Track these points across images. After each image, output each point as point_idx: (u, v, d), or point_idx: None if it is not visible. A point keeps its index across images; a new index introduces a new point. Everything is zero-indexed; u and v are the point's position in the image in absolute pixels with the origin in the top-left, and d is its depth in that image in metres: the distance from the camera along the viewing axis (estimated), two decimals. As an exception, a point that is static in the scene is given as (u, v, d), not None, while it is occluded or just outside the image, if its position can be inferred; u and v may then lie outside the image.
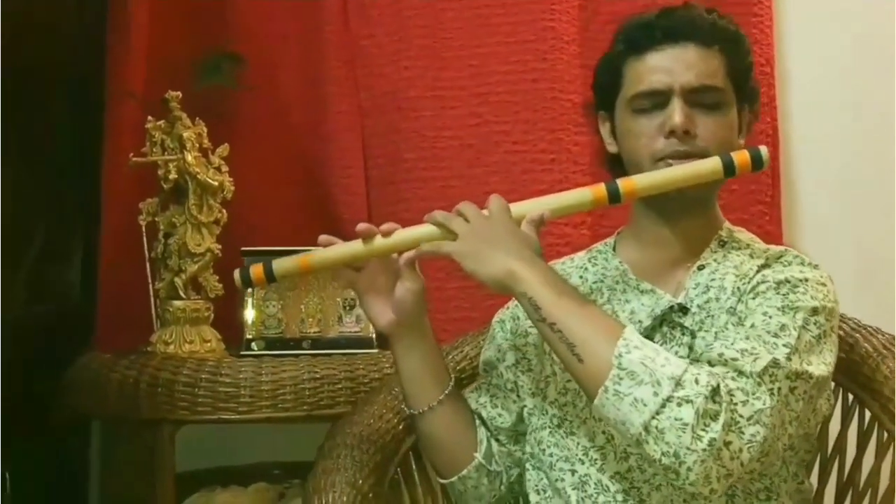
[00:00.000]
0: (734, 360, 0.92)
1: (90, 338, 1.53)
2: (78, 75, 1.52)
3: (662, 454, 0.88)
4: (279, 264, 1.04)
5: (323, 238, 1.06)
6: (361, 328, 1.49)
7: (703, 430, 0.87)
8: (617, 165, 1.10)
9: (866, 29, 1.65)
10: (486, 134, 1.61)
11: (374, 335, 1.48)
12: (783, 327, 0.94)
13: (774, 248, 1.07)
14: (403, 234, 1.03)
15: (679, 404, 0.87)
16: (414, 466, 1.19)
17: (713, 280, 1.05)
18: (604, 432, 1.04)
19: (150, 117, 1.43)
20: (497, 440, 1.14)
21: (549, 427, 1.09)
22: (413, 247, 1.03)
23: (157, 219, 1.44)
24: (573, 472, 1.05)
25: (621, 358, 0.90)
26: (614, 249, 1.13)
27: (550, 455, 1.08)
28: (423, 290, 1.06)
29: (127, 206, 1.47)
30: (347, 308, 1.50)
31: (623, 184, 1.02)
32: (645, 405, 0.88)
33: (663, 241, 1.07)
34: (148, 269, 1.47)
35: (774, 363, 0.92)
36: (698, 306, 1.04)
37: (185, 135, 1.43)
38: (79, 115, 1.51)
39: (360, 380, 1.33)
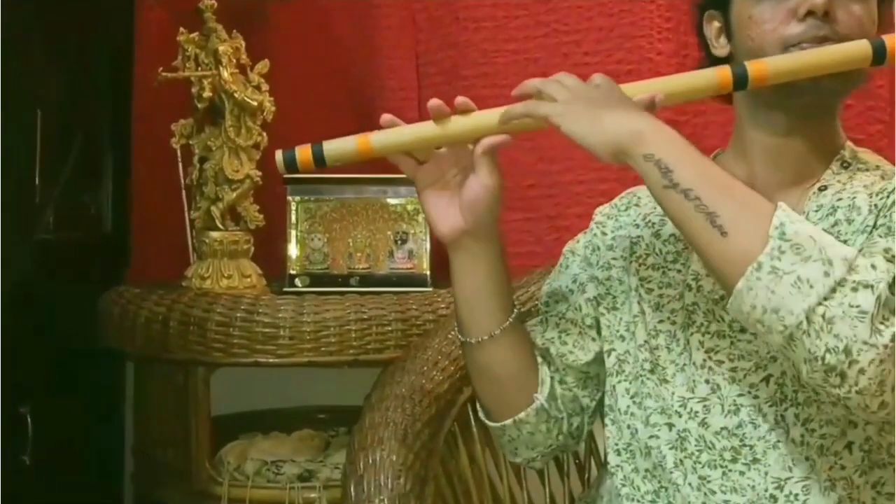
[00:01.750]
0: None
1: (125, 269, 1.43)
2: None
3: (828, 349, 0.72)
4: (331, 146, 0.87)
5: (386, 118, 0.88)
6: (414, 264, 1.39)
7: (884, 322, 0.71)
8: None
9: None
10: (554, 45, 1.45)
11: (427, 272, 1.38)
12: None
13: None
14: (484, 116, 0.86)
15: (855, 289, 0.72)
16: (472, 420, 1.08)
17: (840, 200, 0.87)
18: (707, 381, 0.89)
19: (181, 28, 1.29)
20: (562, 382, 1.01)
21: (641, 374, 0.94)
22: (494, 132, 0.87)
23: (191, 142, 1.33)
24: (670, 426, 0.90)
25: (783, 227, 0.74)
26: None
27: (642, 407, 0.93)
28: (501, 190, 0.89)
29: (160, 126, 1.37)
30: (399, 242, 1.39)
31: (753, 66, 0.85)
32: (811, 286, 0.72)
33: (776, 156, 0.90)
34: (184, 197, 1.36)
35: None
36: (823, 231, 0.86)
37: (221, 49, 1.30)
38: (110, 25, 1.38)
39: (413, 321, 1.21)
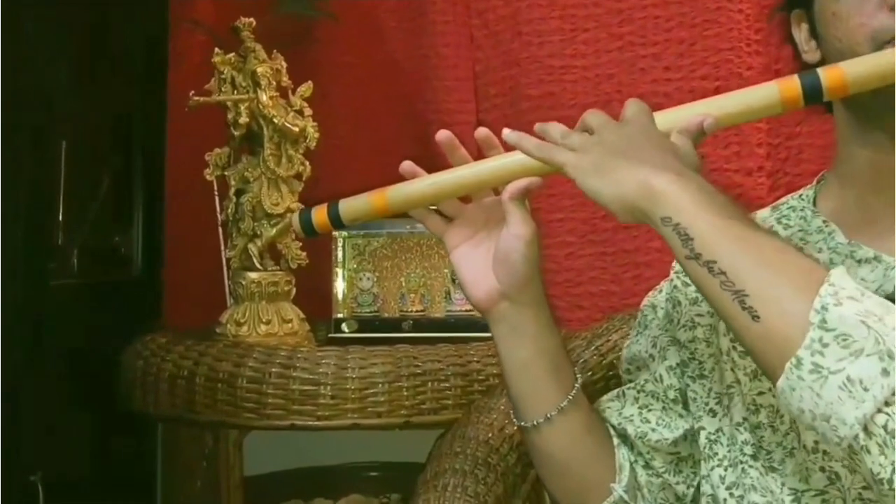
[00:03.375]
0: None
1: (157, 316, 1.32)
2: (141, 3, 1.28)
3: (884, 467, 0.57)
4: (348, 205, 0.79)
5: (406, 166, 0.79)
6: (474, 306, 1.22)
7: None
8: None
9: None
10: (630, 59, 1.31)
11: (490, 314, 1.21)
12: None
13: None
14: (506, 160, 0.76)
15: None
16: (547, 499, 0.91)
17: None
18: (823, 469, 0.71)
19: (217, 49, 1.18)
20: (648, 467, 0.84)
21: (742, 461, 0.76)
22: (520, 176, 0.75)
23: (227, 173, 1.21)
24: None
25: (826, 312, 0.58)
26: (814, 204, 0.79)
27: (744, 502, 0.75)
28: (537, 240, 0.77)
29: (195, 158, 1.27)
30: (457, 282, 1.22)
31: (827, 74, 0.69)
32: (866, 389, 0.57)
33: (890, 180, 0.73)
34: (221, 234, 1.24)
35: None
36: None
37: (260, 70, 1.19)
38: (143, 49, 1.28)
39: (475, 376, 1.05)
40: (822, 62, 0.75)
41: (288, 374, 1.04)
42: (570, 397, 0.78)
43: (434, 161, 1.39)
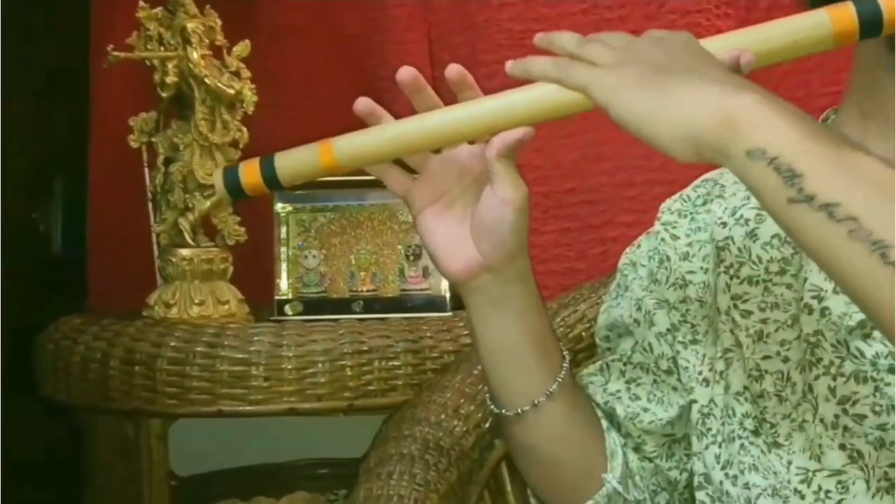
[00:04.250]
0: None
1: (82, 299, 1.21)
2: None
3: None
4: (286, 160, 0.64)
5: (362, 104, 0.65)
6: (430, 284, 1.16)
7: None
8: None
9: None
10: (595, 23, 1.23)
11: (447, 294, 1.14)
12: None
13: None
14: (491, 103, 0.61)
15: None
16: (508, 485, 0.83)
17: None
18: (843, 447, 0.63)
19: (141, 2, 1.07)
20: (638, 450, 0.75)
21: (741, 436, 0.68)
22: (511, 125, 0.61)
23: (154, 139, 1.10)
24: None
25: None
26: None
27: (741, 484, 0.67)
28: (527, 204, 0.64)
29: (122, 123, 1.16)
30: (411, 258, 1.17)
31: (887, 0, 0.58)
32: None
33: None
34: (150, 208, 1.13)
35: None
36: None
37: (190, 26, 1.08)
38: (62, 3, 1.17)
39: (427, 353, 0.96)
40: None
41: (215, 354, 0.93)
42: (560, 379, 0.69)
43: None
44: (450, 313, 1.11)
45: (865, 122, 0.67)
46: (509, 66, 0.61)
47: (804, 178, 0.49)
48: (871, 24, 0.58)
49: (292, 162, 0.64)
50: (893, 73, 0.64)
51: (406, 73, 0.64)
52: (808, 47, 0.60)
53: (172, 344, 0.95)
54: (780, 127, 0.50)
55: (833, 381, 0.64)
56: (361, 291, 1.15)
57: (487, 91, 1.32)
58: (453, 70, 0.64)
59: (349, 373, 0.94)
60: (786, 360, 0.67)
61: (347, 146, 0.63)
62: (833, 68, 1.17)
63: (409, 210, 0.68)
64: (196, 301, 1.07)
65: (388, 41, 1.31)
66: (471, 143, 0.66)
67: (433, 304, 1.13)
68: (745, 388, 0.68)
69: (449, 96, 1.41)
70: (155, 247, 1.13)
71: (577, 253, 1.21)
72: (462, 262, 0.66)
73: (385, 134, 0.63)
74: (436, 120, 0.62)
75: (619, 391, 0.76)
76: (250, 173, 0.64)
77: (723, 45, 0.59)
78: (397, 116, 1.38)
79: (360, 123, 1.42)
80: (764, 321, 0.68)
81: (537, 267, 1.23)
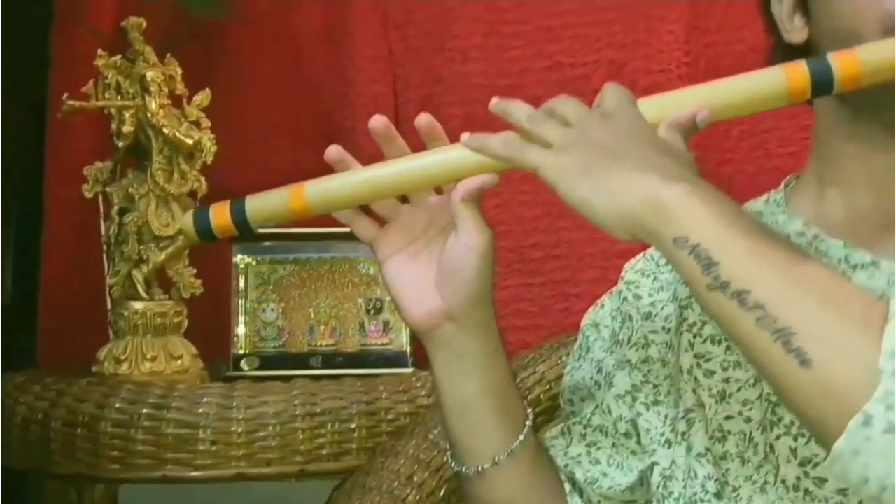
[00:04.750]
0: None
1: (30, 352, 1.17)
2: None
3: None
4: (257, 202, 0.65)
5: (332, 151, 0.66)
6: (391, 339, 1.14)
7: None
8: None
9: None
10: (558, 81, 1.24)
11: (408, 349, 1.13)
12: None
13: None
14: (458, 152, 0.63)
15: None
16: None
17: None
18: None
19: (99, 50, 1.06)
20: None
21: (702, 499, 0.67)
22: (474, 173, 0.62)
23: (108, 189, 1.08)
24: None
25: None
26: (786, 205, 0.71)
27: None
28: (492, 251, 0.65)
29: (78, 170, 1.13)
30: (372, 312, 1.15)
31: (839, 61, 0.59)
32: None
33: (889, 178, 0.64)
34: (105, 260, 1.10)
35: None
36: None
37: (149, 75, 1.07)
38: (23, 49, 1.15)
39: (382, 415, 0.94)
40: (808, 45, 0.67)
41: (161, 416, 0.90)
42: (522, 438, 0.68)
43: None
44: (410, 369, 1.09)
45: (823, 188, 0.68)
46: (465, 139, 0.63)
47: (720, 267, 0.52)
48: (822, 82, 0.59)
49: (263, 204, 0.65)
50: (849, 141, 0.66)
51: (378, 122, 0.66)
52: (763, 103, 0.61)
53: (117, 405, 0.92)
54: (702, 217, 0.53)
55: (794, 442, 0.63)
56: (320, 346, 1.13)
57: (453, 142, 1.33)
58: (423, 119, 0.65)
59: (301, 436, 0.91)
60: (748, 420, 0.66)
61: (318, 190, 0.64)
62: (790, 128, 1.19)
63: (376, 257, 0.68)
64: (148, 356, 1.04)
65: (354, 92, 1.31)
66: (439, 192, 0.67)
67: (393, 359, 1.11)
68: (708, 449, 0.67)
69: (415, 147, 1.42)
70: (108, 299, 1.10)
71: (540, 308, 1.20)
72: (425, 309, 0.66)
73: (356, 178, 0.64)
74: (405, 166, 0.64)
75: (579, 455, 0.75)
76: (220, 215, 0.65)
77: (680, 99, 0.61)
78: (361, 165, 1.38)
79: (324, 173, 1.42)
80: (726, 380, 0.67)
81: (500, 322, 1.22)
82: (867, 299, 0.52)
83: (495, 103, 0.63)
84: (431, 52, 1.29)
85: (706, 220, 0.53)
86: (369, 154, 1.32)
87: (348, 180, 0.64)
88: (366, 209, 0.67)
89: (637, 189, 0.55)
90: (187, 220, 0.66)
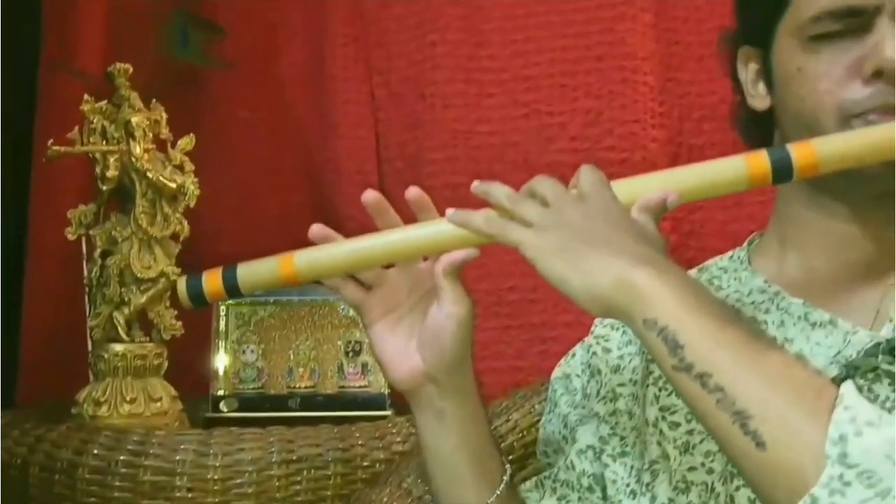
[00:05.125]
0: None
1: (11, 393, 1.17)
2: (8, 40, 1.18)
3: None
4: (248, 270, 0.67)
5: (316, 230, 0.68)
6: (369, 382, 1.16)
7: None
8: (764, 129, 0.72)
9: None
10: (536, 128, 1.28)
11: (386, 391, 1.14)
12: None
13: None
14: (442, 226, 0.66)
15: None
16: None
17: None
18: None
19: (86, 96, 1.08)
20: None
21: None
22: (457, 247, 0.65)
23: (92, 232, 1.09)
24: None
25: (845, 443, 0.51)
26: (749, 263, 0.74)
27: None
28: (472, 320, 0.68)
29: (63, 213, 1.15)
30: (351, 354, 1.17)
31: (798, 151, 0.63)
32: None
33: (843, 244, 0.68)
34: (87, 302, 1.11)
35: None
36: None
37: (135, 120, 1.09)
38: (8, 92, 1.17)
39: (358, 462, 0.95)
40: (770, 112, 0.70)
41: (138, 464, 0.91)
42: (498, 492, 0.70)
43: (331, 223, 1.31)
44: (388, 412, 1.10)
45: (784, 249, 0.71)
46: (450, 215, 0.65)
47: (685, 349, 0.55)
48: (782, 171, 0.62)
49: (253, 273, 0.67)
50: (808, 209, 0.69)
51: (371, 196, 0.68)
52: (727, 188, 0.65)
53: (95, 451, 0.93)
54: (670, 301, 0.56)
55: (753, 493, 0.65)
56: (299, 388, 1.14)
57: (433, 187, 1.35)
58: (413, 193, 0.67)
59: (277, 483, 0.92)
60: (710, 471, 0.68)
61: (307, 260, 0.67)
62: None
63: (362, 321, 0.71)
64: (127, 398, 1.04)
65: (337, 136, 1.34)
66: (424, 259, 0.69)
67: (372, 402, 1.12)
68: (671, 500, 0.69)
69: (395, 189, 1.44)
70: (89, 341, 1.11)
71: (517, 351, 1.22)
72: (407, 371, 0.68)
73: (344, 249, 0.67)
74: (392, 238, 0.66)
75: None
76: (212, 282, 0.67)
77: (651, 183, 0.64)
78: (343, 208, 1.39)
79: (298, 212, 1.43)
80: (690, 432, 0.69)
81: (478, 364, 1.24)
82: (819, 384, 0.54)
83: (476, 186, 0.65)
84: (413, 99, 1.32)
85: (673, 304, 0.56)
86: (351, 196, 1.34)
87: (337, 251, 0.67)
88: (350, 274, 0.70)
89: (610, 271, 0.57)
90: (181, 286, 0.68)
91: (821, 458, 0.50)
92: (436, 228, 0.65)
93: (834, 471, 0.50)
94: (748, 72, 0.72)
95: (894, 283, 0.66)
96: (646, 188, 0.63)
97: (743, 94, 0.73)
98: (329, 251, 0.67)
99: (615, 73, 1.26)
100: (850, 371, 0.64)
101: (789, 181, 0.63)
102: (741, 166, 0.63)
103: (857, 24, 0.65)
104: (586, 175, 0.63)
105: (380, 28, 1.33)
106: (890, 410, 0.61)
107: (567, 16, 1.28)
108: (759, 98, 0.71)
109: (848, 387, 0.53)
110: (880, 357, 0.63)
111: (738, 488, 0.65)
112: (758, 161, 0.62)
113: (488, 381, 1.27)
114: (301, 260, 0.66)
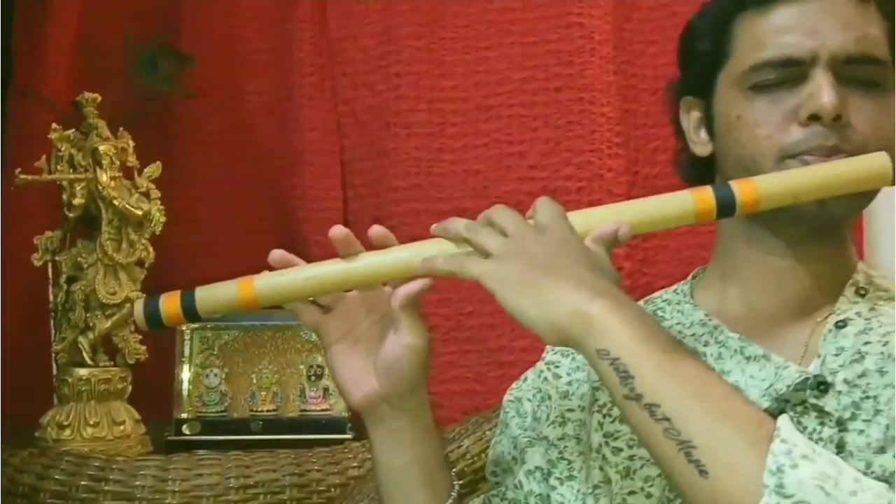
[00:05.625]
0: None
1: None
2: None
3: None
4: (207, 294, 0.67)
5: (276, 255, 0.69)
6: (331, 405, 1.18)
7: None
8: (705, 174, 0.75)
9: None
10: (496, 156, 1.32)
11: (346, 415, 1.16)
12: None
13: None
14: (400, 255, 0.67)
15: None
16: None
17: (868, 344, 0.68)
18: None
19: (54, 125, 1.10)
20: None
21: None
22: (414, 275, 0.67)
23: (58, 258, 1.10)
24: None
25: (782, 475, 0.54)
26: (692, 298, 0.77)
27: None
28: (428, 349, 0.70)
29: (30, 239, 1.16)
30: (313, 378, 1.19)
31: (741, 189, 0.66)
32: None
33: (778, 282, 0.72)
34: (52, 326, 1.12)
35: None
36: (846, 382, 0.67)
37: (102, 149, 1.11)
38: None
39: (314, 487, 0.98)
40: (712, 158, 0.74)
41: (99, 489, 0.93)
42: None
43: (296, 248, 1.33)
44: (349, 435, 1.12)
45: (724, 284, 0.75)
46: (420, 262, 0.67)
47: (635, 380, 0.58)
48: (726, 206, 0.66)
49: (212, 296, 0.67)
50: (748, 246, 0.72)
51: (338, 232, 0.68)
52: (675, 221, 0.68)
53: (56, 476, 0.94)
54: (622, 334, 0.59)
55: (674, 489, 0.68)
56: (262, 412, 1.16)
57: (396, 213, 1.37)
58: (376, 231, 0.68)
59: (235, 509, 0.94)
60: (649, 496, 0.71)
61: (268, 285, 0.67)
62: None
63: (321, 342, 0.73)
64: (91, 422, 1.06)
65: (303, 163, 1.36)
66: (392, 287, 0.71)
67: (332, 426, 1.14)
68: None
69: (360, 214, 1.45)
70: (54, 365, 1.12)
71: (476, 375, 1.25)
72: (363, 392, 0.70)
73: (304, 275, 0.67)
74: (353, 265, 0.67)
75: None
76: (170, 305, 0.67)
77: (604, 215, 0.67)
78: (309, 234, 1.41)
79: (265, 237, 1.44)
80: (631, 458, 0.72)
81: (437, 387, 1.28)
82: (759, 417, 0.57)
83: (434, 228, 0.67)
84: (377, 127, 1.35)
85: (626, 336, 0.59)
86: (316, 222, 1.36)
87: (297, 276, 0.67)
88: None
89: (567, 303, 0.60)
90: (137, 308, 0.67)
91: (759, 488, 0.53)
92: (395, 256, 0.67)
93: (771, 500, 0.53)
94: (690, 120, 0.75)
95: (823, 320, 0.70)
96: (599, 220, 0.66)
97: (685, 141, 0.76)
98: (290, 276, 0.67)
99: (574, 105, 1.30)
100: (781, 404, 0.67)
101: (732, 216, 0.67)
102: (688, 201, 0.66)
103: (793, 74, 0.69)
104: (544, 207, 0.65)
105: (345, 58, 1.36)
106: (817, 442, 0.66)
107: (527, 48, 1.32)
108: (700, 144, 0.75)
109: (784, 420, 0.57)
110: (808, 392, 0.67)
111: None
112: (703, 197, 0.66)
113: (447, 403, 1.30)
114: (261, 284, 0.66)
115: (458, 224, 0.66)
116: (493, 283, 0.62)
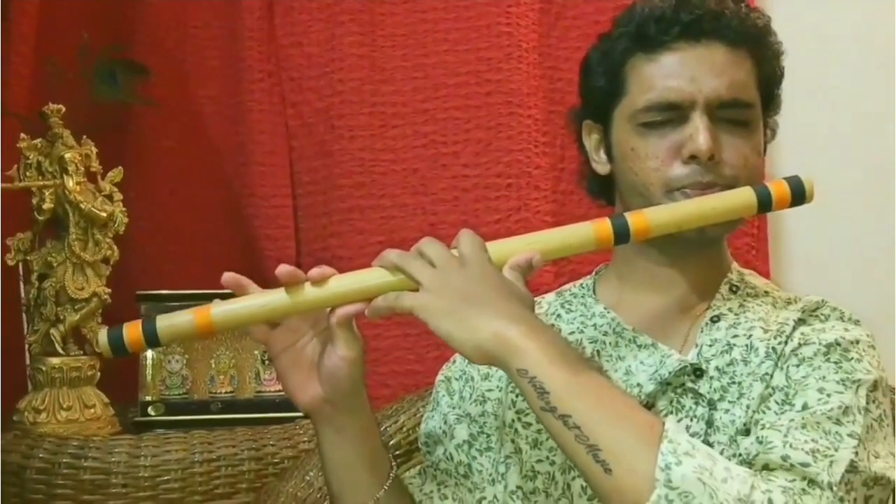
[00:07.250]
0: (805, 465, 0.70)
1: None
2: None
3: None
4: (166, 323, 0.73)
5: (228, 278, 0.76)
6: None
7: None
8: (606, 188, 0.88)
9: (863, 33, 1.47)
10: (433, 156, 1.42)
11: (298, 394, 1.25)
12: (846, 410, 0.73)
13: (808, 298, 0.85)
14: (341, 283, 0.76)
15: None
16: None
17: (735, 337, 0.82)
18: None
19: (22, 135, 1.18)
20: None
21: None
22: (354, 300, 0.76)
23: (29, 257, 1.19)
24: None
25: (669, 471, 0.66)
26: (594, 292, 0.90)
27: None
28: (363, 358, 0.80)
29: (3, 242, 1.23)
30: (266, 362, 1.29)
31: (634, 219, 0.79)
32: None
33: (664, 284, 0.85)
34: (25, 320, 1.21)
35: (852, 467, 0.70)
36: (717, 369, 0.81)
37: (68, 156, 1.19)
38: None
39: (269, 459, 1.08)
40: (611, 176, 0.85)
41: (79, 465, 1.03)
42: (387, 486, 0.83)
43: (245, 244, 1.43)
44: (300, 413, 1.22)
45: (621, 284, 0.88)
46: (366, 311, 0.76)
47: (550, 395, 0.69)
48: (621, 234, 0.78)
49: (172, 324, 0.73)
50: (638, 256, 0.85)
51: (283, 271, 0.75)
52: (580, 248, 0.79)
53: (40, 455, 1.04)
54: (538, 355, 0.70)
55: (585, 482, 0.82)
56: (220, 393, 1.26)
57: (342, 209, 1.45)
58: (283, 270, 0.75)
59: (199, 479, 1.05)
60: (552, 463, 0.84)
61: (223, 313, 0.74)
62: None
63: (268, 353, 0.82)
64: (64, 406, 1.15)
65: (253, 163, 1.44)
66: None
67: (285, 405, 1.19)
68: (519, 487, 0.85)
69: (309, 208, 1.51)
70: (27, 355, 1.21)
71: (416, 356, 1.35)
72: (309, 396, 0.80)
73: (256, 303, 0.75)
74: (302, 296, 0.75)
75: (431, 492, 0.91)
76: (133, 333, 0.72)
77: (519, 245, 0.78)
78: (260, 229, 1.48)
79: (218, 233, 1.50)
80: (539, 431, 0.85)
81: (381, 367, 1.39)
82: (652, 421, 0.69)
83: (376, 261, 0.76)
84: (323, 129, 1.43)
85: (541, 357, 0.70)
86: (267, 218, 1.44)
87: (250, 304, 0.74)
88: None
89: (489, 329, 0.70)
90: (102, 337, 0.72)
91: (652, 482, 0.65)
92: (338, 283, 0.74)
93: (661, 492, 0.65)
94: (591, 141, 0.87)
95: (701, 314, 0.84)
96: (514, 250, 0.75)
97: (588, 158, 0.88)
98: (243, 305, 0.74)
99: (503, 108, 1.40)
100: (664, 386, 0.81)
101: (627, 243, 0.79)
102: (590, 231, 0.78)
103: (675, 115, 0.81)
104: (465, 240, 0.75)
105: (292, 64, 1.43)
106: (691, 419, 0.80)
107: (461, 55, 1.41)
108: (601, 164, 0.87)
109: (673, 424, 0.69)
110: (686, 377, 0.81)
111: (574, 478, 0.82)
112: (602, 227, 0.78)
113: (392, 382, 1.41)
114: (217, 313, 0.73)
115: (392, 256, 0.75)
116: (424, 314, 0.72)
